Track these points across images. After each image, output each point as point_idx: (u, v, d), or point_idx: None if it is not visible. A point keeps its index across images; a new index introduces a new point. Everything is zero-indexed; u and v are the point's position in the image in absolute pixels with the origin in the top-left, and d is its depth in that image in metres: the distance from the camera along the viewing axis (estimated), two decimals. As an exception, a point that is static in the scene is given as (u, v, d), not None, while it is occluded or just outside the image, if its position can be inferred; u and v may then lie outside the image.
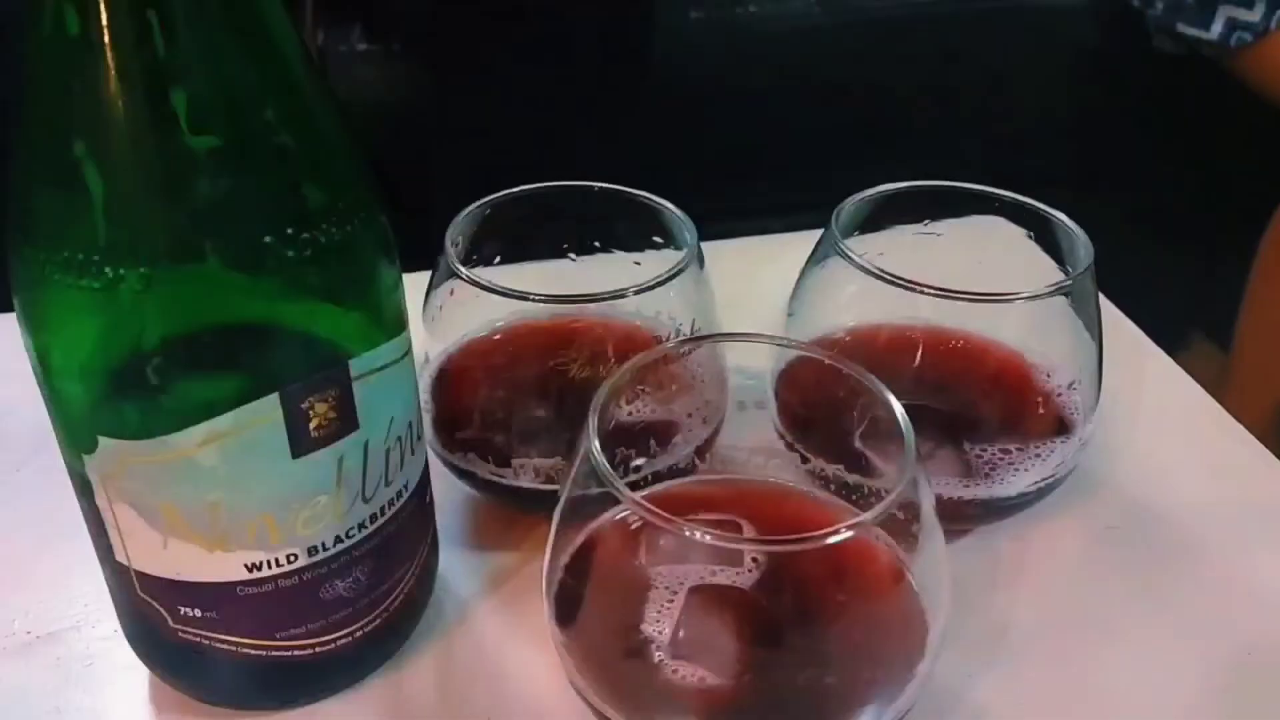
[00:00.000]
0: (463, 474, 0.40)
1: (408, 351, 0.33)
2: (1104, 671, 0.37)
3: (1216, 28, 0.91)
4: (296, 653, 0.33)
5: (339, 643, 0.34)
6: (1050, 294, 0.38)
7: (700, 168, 0.95)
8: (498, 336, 0.42)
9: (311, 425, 0.30)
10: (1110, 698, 0.36)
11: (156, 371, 0.28)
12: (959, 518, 0.40)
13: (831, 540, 0.29)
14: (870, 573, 0.33)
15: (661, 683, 0.31)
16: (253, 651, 0.33)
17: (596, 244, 0.45)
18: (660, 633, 0.32)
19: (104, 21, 0.25)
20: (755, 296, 0.46)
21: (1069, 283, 0.38)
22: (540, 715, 0.35)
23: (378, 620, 0.35)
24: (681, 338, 0.39)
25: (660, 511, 0.29)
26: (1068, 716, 0.36)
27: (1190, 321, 1.00)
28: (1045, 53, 1.02)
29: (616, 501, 0.30)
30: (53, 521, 0.39)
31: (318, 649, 0.34)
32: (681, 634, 0.32)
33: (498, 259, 0.43)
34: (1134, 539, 0.42)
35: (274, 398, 0.29)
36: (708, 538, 0.29)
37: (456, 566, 0.41)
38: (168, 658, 0.34)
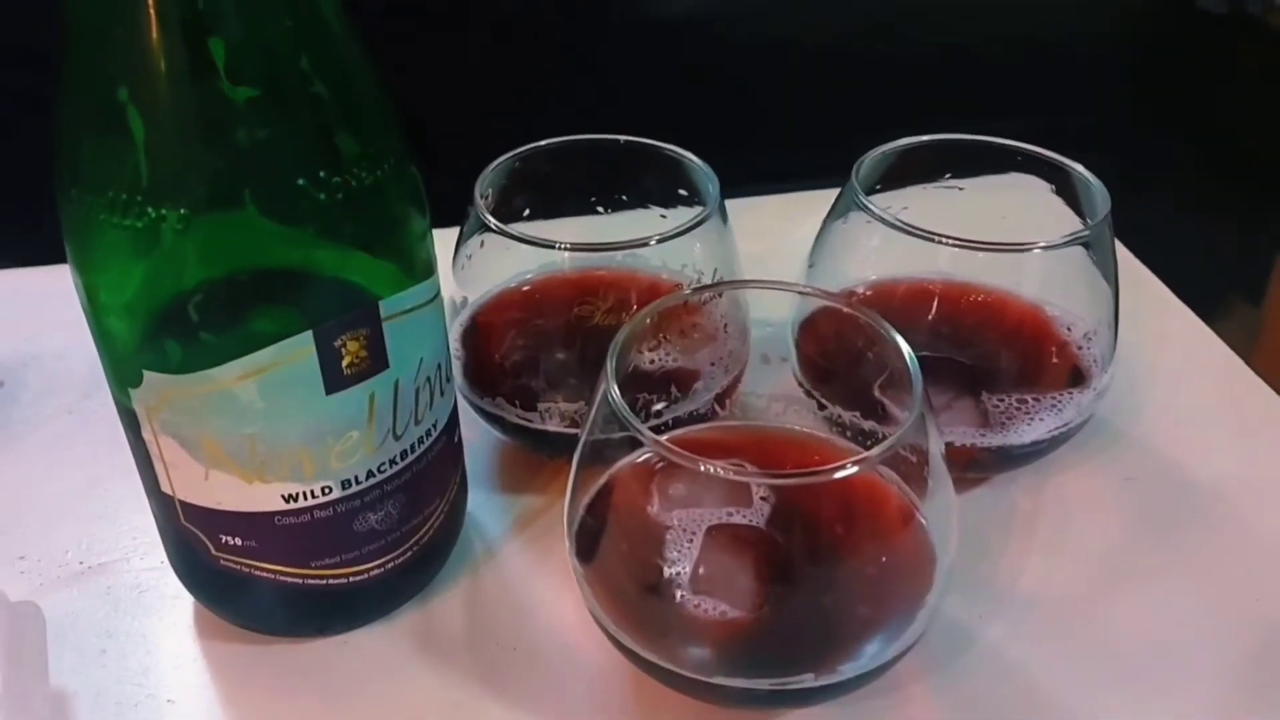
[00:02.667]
0: (491, 418, 0.42)
1: (436, 295, 0.34)
2: (1113, 618, 0.38)
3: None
4: (331, 581, 0.35)
5: (371, 573, 0.36)
6: (1067, 244, 0.38)
7: (734, 129, 0.96)
8: (526, 287, 0.43)
9: (344, 363, 0.31)
10: (1118, 643, 0.37)
11: (196, 309, 0.29)
12: (975, 465, 0.41)
13: (836, 476, 0.30)
14: (880, 510, 0.34)
15: (683, 616, 0.33)
16: (290, 580, 0.35)
17: (624, 198, 0.46)
18: (681, 570, 0.33)
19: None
20: (779, 251, 0.47)
21: (1085, 233, 0.38)
22: (564, 646, 0.37)
23: (409, 553, 0.36)
24: (700, 284, 0.40)
25: (673, 447, 0.30)
26: (1075, 657, 0.37)
27: (1230, 283, 1.00)
28: (1090, 12, 1.01)
29: (635, 444, 0.31)
30: (102, 461, 0.42)
31: (351, 579, 0.35)
32: (701, 570, 0.33)
33: (527, 212, 0.44)
34: (1151, 491, 0.43)
35: (308, 335, 0.30)
36: (718, 471, 0.30)
37: (485, 507, 0.42)
38: (210, 585, 0.36)
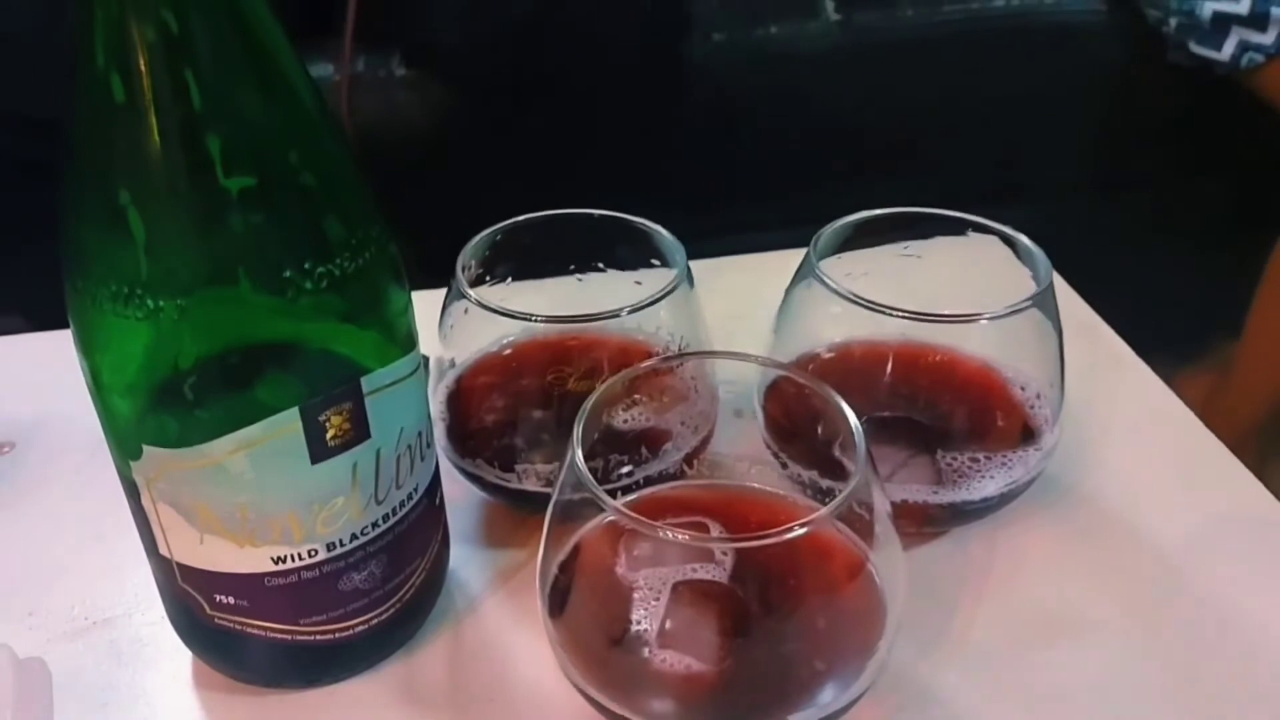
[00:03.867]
0: (472, 478, 0.44)
1: (417, 368, 0.37)
2: (1063, 670, 0.40)
3: (1228, 49, 0.93)
4: (319, 637, 0.37)
5: (356, 629, 0.38)
6: (1010, 314, 0.41)
7: (730, 185, 0.99)
8: (507, 352, 0.46)
9: (328, 435, 0.34)
10: (1068, 694, 0.39)
11: (192, 389, 0.32)
12: (930, 520, 0.43)
13: (788, 536, 0.32)
14: (834, 563, 0.36)
15: (650, 670, 0.35)
16: (279, 636, 0.37)
17: (600, 264, 0.48)
18: (647, 626, 0.35)
19: (145, 87, 0.29)
20: (747, 312, 0.49)
21: (1028, 303, 0.41)
22: (539, 698, 0.39)
23: (392, 610, 0.39)
24: (663, 355, 0.43)
25: (632, 513, 0.32)
26: (1026, 709, 0.39)
27: (1209, 328, 1.02)
28: (1065, 68, 1.04)
29: (600, 508, 0.33)
30: (108, 518, 0.44)
31: (337, 634, 0.38)
32: (668, 626, 0.36)
33: (510, 278, 0.47)
34: (1100, 546, 0.45)
35: (294, 411, 0.33)
36: (677, 536, 0.33)
37: (467, 562, 0.45)
38: (206, 641, 0.38)
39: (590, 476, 0.33)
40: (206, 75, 0.29)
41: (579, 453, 0.34)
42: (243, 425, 0.32)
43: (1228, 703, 0.39)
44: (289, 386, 0.33)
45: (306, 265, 0.32)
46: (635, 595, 0.36)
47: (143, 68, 0.29)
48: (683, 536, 0.33)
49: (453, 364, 0.45)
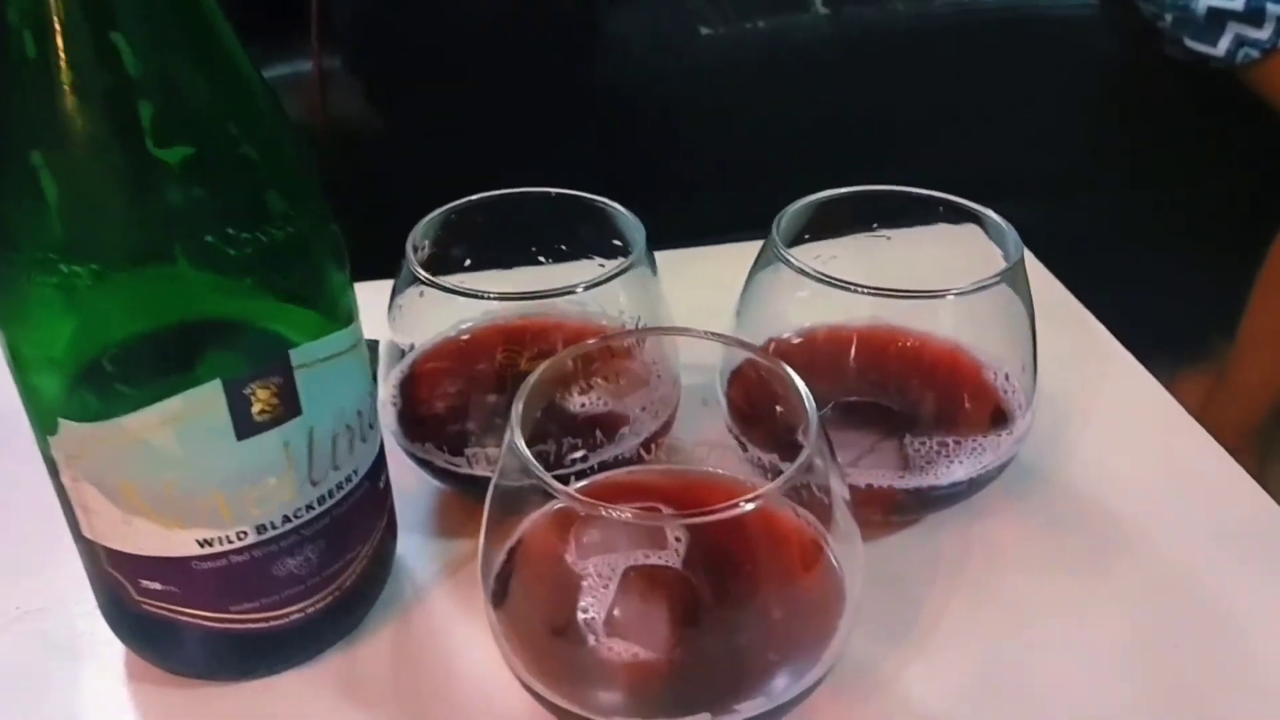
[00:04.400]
0: (422, 463, 0.43)
1: (355, 345, 0.36)
2: (1037, 666, 0.38)
3: (1224, 44, 0.92)
4: (252, 625, 0.36)
5: (292, 617, 0.36)
6: (978, 290, 0.39)
7: (710, 180, 0.98)
8: (461, 336, 0.44)
9: (255, 410, 0.32)
10: (1040, 692, 0.37)
11: (110, 361, 0.31)
12: (898, 508, 0.42)
13: (733, 513, 0.31)
14: (790, 547, 0.35)
15: (596, 660, 0.33)
16: (211, 624, 0.35)
17: (563, 248, 0.47)
18: (595, 614, 0.34)
19: (59, 45, 0.28)
20: (711, 302, 0.47)
21: (996, 279, 0.39)
22: (485, 693, 0.37)
23: (330, 598, 0.37)
24: (615, 332, 0.41)
25: (571, 491, 0.31)
26: (995, 707, 0.37)
27: (1206, 329, 1.00)
28: (1058, 64, 1.02)
29: (543, 492, 0.32)
30: (43, 504, 0.43)
31: (271, 622, 0.36)
32: (616, 613, 0.34)
33: (468, 262, 0.45)
34: (1082, 537, 0.43)
35: (217, 384, 0.31)
36: (617, 513, 0.31)
37: (417, 552, 0.43)
38: (135, 629, 0.37)
39: (529, 454, 0.32)
40: (129, 35, 0.28)
41: (517, 431, 0.32)
42: (164, 399, 0.31)
43: (1211, 704, 0.37)
44: (213, 358, 0.31)
45: (229, 232, 0.31)
46: (584, 583, 0.34)
47: (57, 25, 0.28)
48: (625, 514, 0.31)
49: (407, 349, 0.44)
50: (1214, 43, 0.91)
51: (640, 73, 0.93)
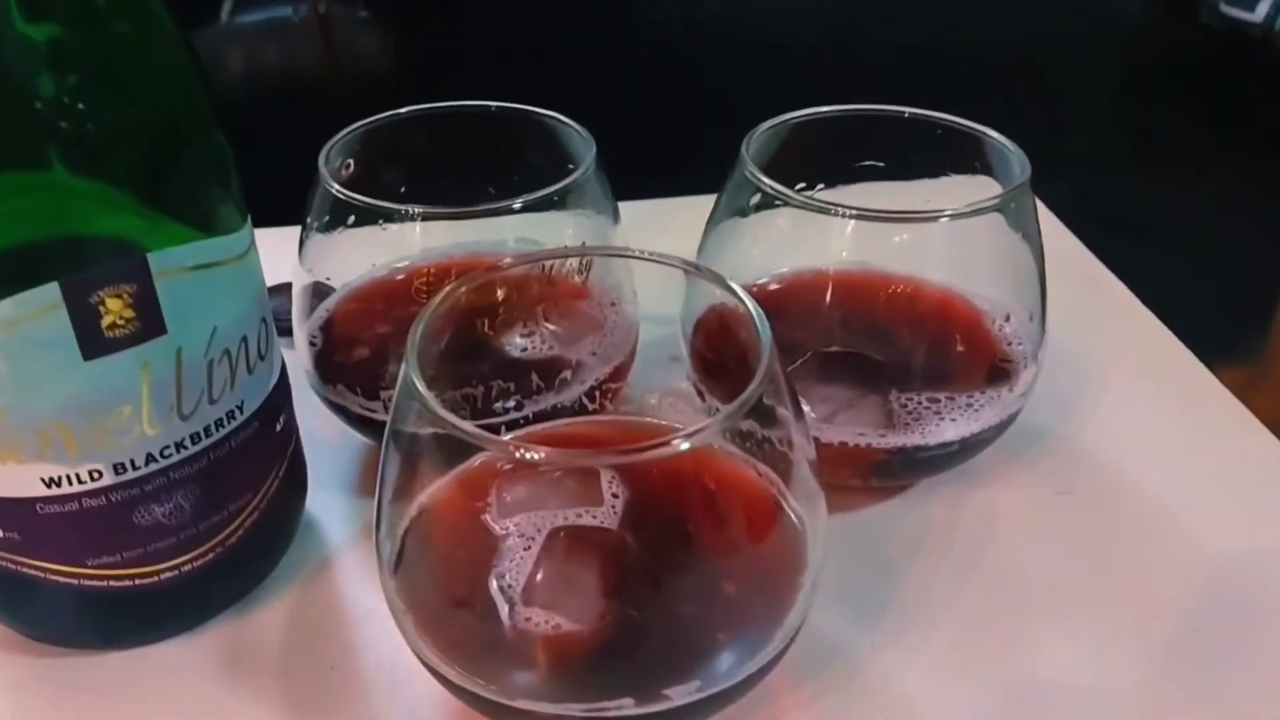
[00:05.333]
0: (337, 409, 0.37)
1: (242, 256, 0.30)
2: (1026, 653, 0.33)
3: (1262, 9, 0.86)
4: (113, 583, 0.31)
5: (163, 576, 0.31)
6: (978, 212, 0.33)
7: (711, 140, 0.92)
8: (385, 270, 0.39)
9: (104, 323, 0.27)
10: (1028, 683, 0.32)
11: (-78, 253, 0.26)
12: (879, 470, 0.36)
13: (665, 451, 0.25)
14: (741, 504, 0.29)
15: (511, 633, 0.28)
16: (63, 579, 0.30)
17: (515, 178, 0.41)
18: (513, 580, 0.28)
19: None
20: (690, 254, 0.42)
21: (997, 199, 0.34)
22: (387, 668, 0.32)
23: (210, 555, 0.32)
24: (550, 251, 0.36)
25: (469, 426, 0.25)
26: (974, 697, 0.31)
27: (1238, 315, 0.94)
28: (1090, 33, 0.97)
29: (446, 435, 0.26)
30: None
31: (138, 580, 0.31)
32: (537, 579, 0.29)
33: (403, 189, 0.40)
34: (1086, 507, 0.38)
35: (54, 287, 0.26)
36: (524, 454, 0.26)
37: (331, 510, 0.38)
38: (-21, 585, 0.32)
39: (422, 386, 0.26)
40: None
41: (413, 361, 0.27)
42: (-10, 303, 0.26)
43: (1230, 693, 0.31)
44: (51, 256, 0.26)
45: (85, 118, 0.26)
46: (503, 544, 0.29)
47: None
48: (538, 454, 0.26)
49: (323, 286, 0.39)
50: (1251, 8, 0.85)
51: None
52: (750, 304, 0.28)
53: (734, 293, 0.29)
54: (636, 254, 0.32)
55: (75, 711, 0.31)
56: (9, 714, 0.31)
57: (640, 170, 0.44)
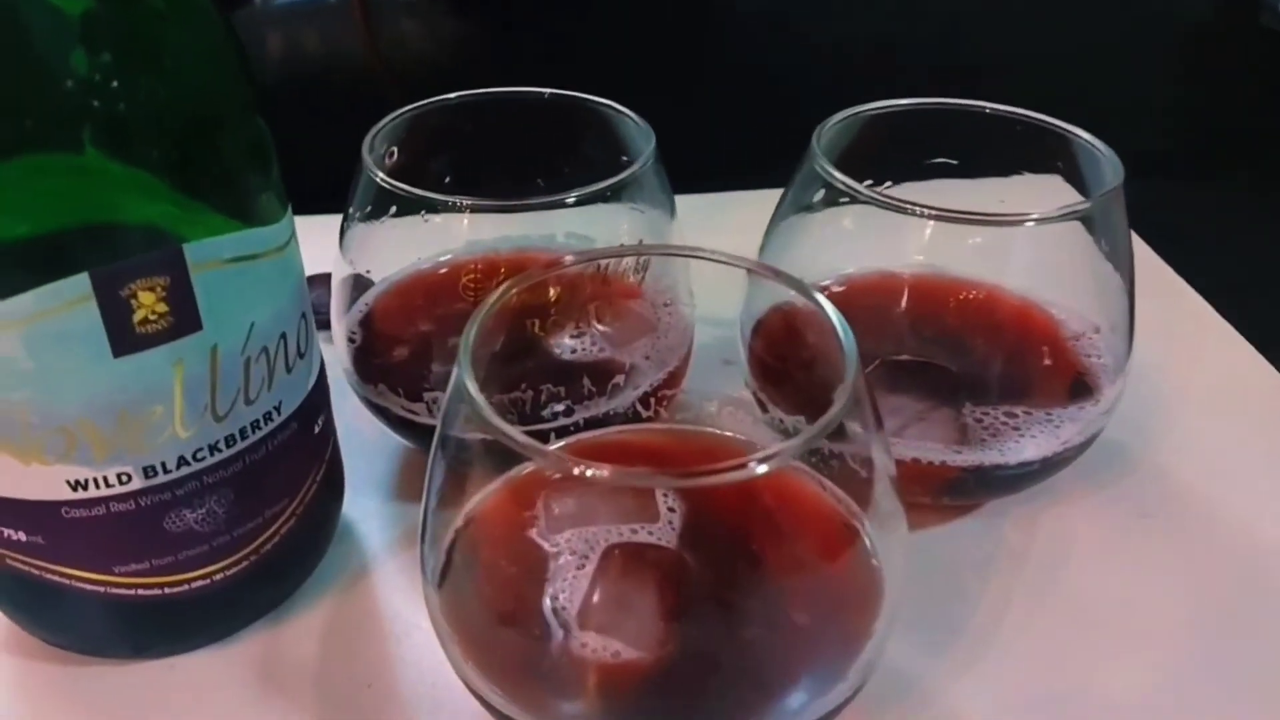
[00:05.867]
0: (378, 410, 0.36)
1: (282, 248, 0.29)
2: (1112, 688, 0.30)
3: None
4: (142, 592, 0.29)
5: (194, 585, 0.29)
6: (1066, 217, 0.31)
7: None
8: (431, 263, 0.37)
9: (136, 318, 0.25)
10: (1109, 713, 0.30)
11: (-53, 241, 0.24)
12: (951, 489, 0.34)
13: (739, 475, 0.23)
14: (813, 528, 0.27)
15: (565, 660, 0.26)
16: (89, 587, 0.29)
17: (565, 170, 0.39)
18: (567, 602, 0.27)
19: None
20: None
21: (1087, 205, 0.31)
22: (428, 687, 0.30)
23: (245, 563, 0.30)
24: (608, 250, 0.34)
25: (525, 437, 0.23)
26: (1063, 732, 0.29)
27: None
28: (1144, 32, 0.93)
29: (496, 443, 0.24)
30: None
31: (168, 590, 0.29)
32: (594, 600, 0.27)
33: (446, 179, 0.38)
34: (1170, 531, 0.35)
35: (84, 279, 0.24)
36: (587, 470, 0.24)
37: (369, 516, 0.36)
38: (1, 588, 0.30)
39: (476, 391, 0.24)
40: None
41: (466, 365, 0.25)
42: (16, 292, 0.24)
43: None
44: (81, 245, 0.25)
45: (118, 99, 0.24)
46: (554, 563, 0.27)
47: None
48: (602, 472, 0.24)
49: (363, 279, 0.37)
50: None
51: None
52: (830, 310, 0.26)
53: (810, 297, 0.27)
54: (704, 254, 0.29)
55: (100, 722, 0.30)
56: (31, 724, 0.30)
57: (694, 162, 0.42)
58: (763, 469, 0.23)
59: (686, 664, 0.26)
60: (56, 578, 0.28)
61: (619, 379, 0.34)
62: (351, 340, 0.36)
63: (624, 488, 0.29)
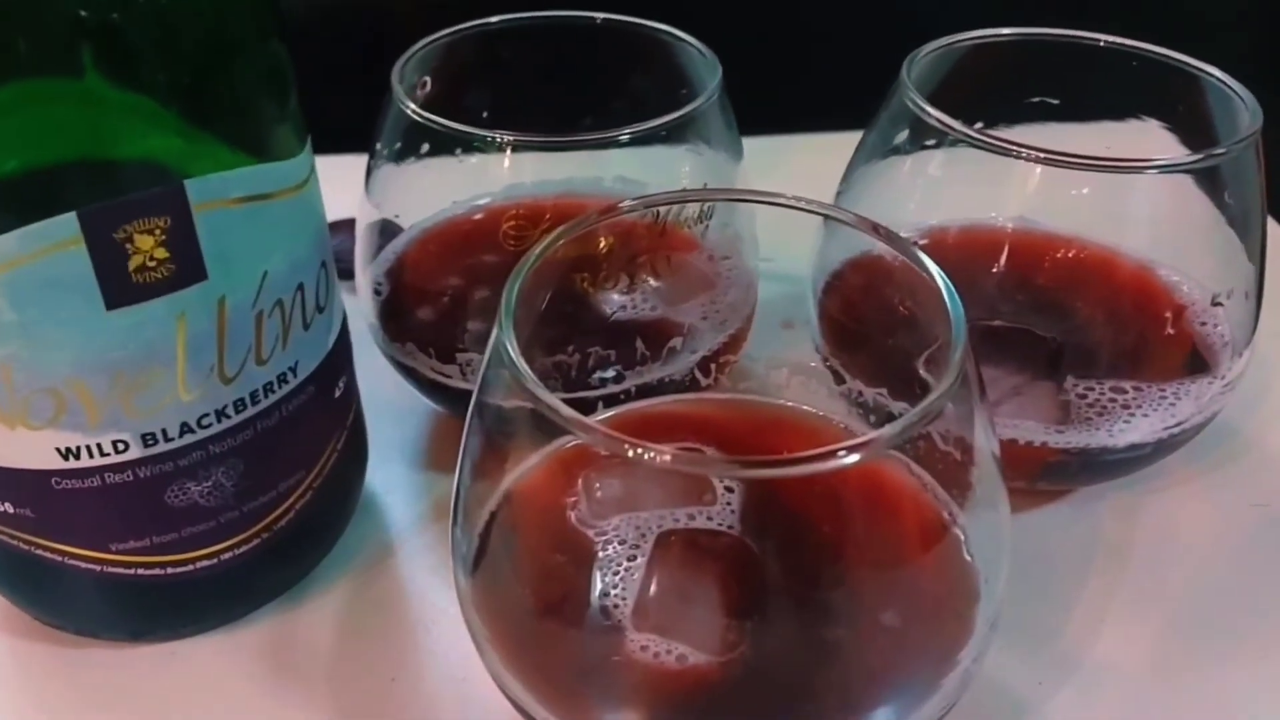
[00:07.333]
0: (407, 371, 0.32)
1: (299, 186, 0.25)
2: (1226, 697, 0.27)
3: None
4: (141, 571, 0.26)
5: (199, 564, 0.26)
6: (1192, 166, 0.27)
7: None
8: (478, 217, 0.34)
9: (132, 265, 0.22)
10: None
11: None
12: (1048, 473, 0.30)
13: (830, 465, 0.19)
14: (898, 521, 0.24)
15: (623, 665, 0.23)
16: (83, 564, 0.25)
17: (617, 105, 0.35)
18: (621, 597, 0.23)
19: None
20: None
21: (1221, 153, 0.27)
22: (457, 682, 0.27)
23: (256, 541, 0.27)
24: (666, 195, 0.30)
25: (576, 415, 0.20)
26: (1174, 753, 0.26)
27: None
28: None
29: (539, 415, 0.21)
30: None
31: (169, 569, 0.26)
32: (652, 594, 0.24)
33: (484, 113, 0.34)
34: (1289, 524, 0.32)
35: (72, 219, 0.21)
36: (650, 454, 0.20)
37: (398, 488, 0.33)
38: (-10, 564, 0.27)
39: (519, 358, 0.21)
40: None
41: (508, 326, 0.22)
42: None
43: None
44: (71, 180, 0.21)
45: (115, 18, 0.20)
46: (602, 551, 0.24)
47: None
48: (664, 455, 0.20)
49: (391, 225, 0.33)
50: None
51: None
52: (934, 269, 0.23)
53: (910, 253, 0.23)
54: (784, 200, 0.25)
55: (98, 707, 0.27)
56: (26, 707, 0.27)
57: (762, 98, 0.38)
58: (855, 458, 0.20)
59: (762, 670, 0.22)
60: (48, 554, 0.25)
61: (675, 342, 0.30)
62: (377, 292, 0.33)
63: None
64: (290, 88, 0.25)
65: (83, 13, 0.20)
